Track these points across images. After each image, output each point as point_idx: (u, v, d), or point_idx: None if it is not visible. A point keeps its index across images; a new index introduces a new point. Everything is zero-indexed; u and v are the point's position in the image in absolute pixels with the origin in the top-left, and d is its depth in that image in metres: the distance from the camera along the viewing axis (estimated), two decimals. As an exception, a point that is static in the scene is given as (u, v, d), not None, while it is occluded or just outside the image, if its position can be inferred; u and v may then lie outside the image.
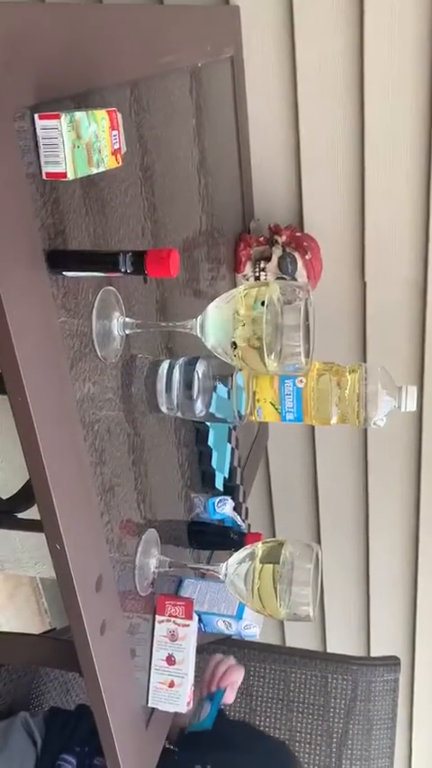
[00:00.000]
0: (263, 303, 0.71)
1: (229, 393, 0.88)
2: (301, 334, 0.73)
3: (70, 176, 0.62)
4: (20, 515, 1.23)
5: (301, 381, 1.02)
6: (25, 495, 1.18)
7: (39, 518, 0.68)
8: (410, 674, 2.00)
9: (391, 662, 1.58)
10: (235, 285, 1.37)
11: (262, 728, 1.52)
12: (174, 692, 0.87)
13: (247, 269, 1.37)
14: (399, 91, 1.37)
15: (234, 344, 0.72)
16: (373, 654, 2.01)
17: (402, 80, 1.36)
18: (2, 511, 1.19)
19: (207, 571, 0.88)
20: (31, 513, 1.24)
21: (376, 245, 1.50)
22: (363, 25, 1.34)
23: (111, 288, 0.76)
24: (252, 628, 0.98)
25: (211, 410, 0.88)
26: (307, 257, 1.37)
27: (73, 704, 1.44)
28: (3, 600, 2.00)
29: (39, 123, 0.61)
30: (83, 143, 0.63)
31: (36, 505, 0.68)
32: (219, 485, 1.11)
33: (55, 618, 2.15)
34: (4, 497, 1.24)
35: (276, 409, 1.03)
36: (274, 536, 1.49)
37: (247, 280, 1.38)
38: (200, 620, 0.97)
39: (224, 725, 1.22)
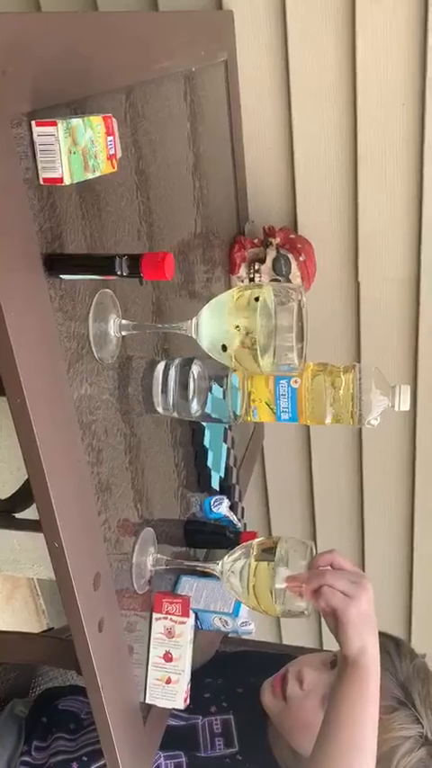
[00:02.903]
0: (257, 299, 0.72)
1: (224, 393, 0.90)
2: (294, 334, 0.74)
3: (67, 182, 0.63)
4: (18, 515, 1.23)
5: (295, 382, 1.03)
6: (23, 495, 1.19)
7: (37, 518, 0.69)
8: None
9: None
10: (230, 287, 1.38)
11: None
12: (171, 688, 0.88)
13: (242, 271, 1.38)
14: (391, 93, 1.39)
15: (227, 346, 0.73)
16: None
17: (395, 82, 1.38)
18: (0, 510, 1.20)
19: (203, 569, 0.89)
20: (29, 514, 1.25)
21: (369, 245, 1.51)
22: (354, 28, 1.35)
23: (107, 290, 0.77)
24: (248, 625, 0.99)
25: (207, 410, 0.89)
26: (301, 259, 1.38)
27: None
28: (0, 602, 2.00)
29: (36, 130, 0.62)
30: (79, 149, 0.64)
31: (34, 505, 0.69)
32: (215, 484, 1.12)
33: (52, 619, 2.16)
34: (2, 497, 1.25)
35: (271, 409, 1.04)
36: (269, 535, 1.50)
37: (242, 281, 1.39)
38: (196, 618, 0.98)
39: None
